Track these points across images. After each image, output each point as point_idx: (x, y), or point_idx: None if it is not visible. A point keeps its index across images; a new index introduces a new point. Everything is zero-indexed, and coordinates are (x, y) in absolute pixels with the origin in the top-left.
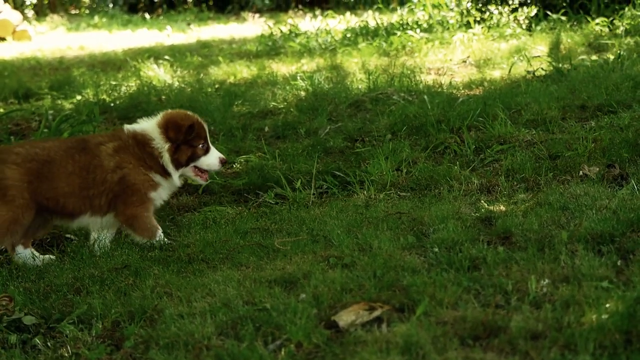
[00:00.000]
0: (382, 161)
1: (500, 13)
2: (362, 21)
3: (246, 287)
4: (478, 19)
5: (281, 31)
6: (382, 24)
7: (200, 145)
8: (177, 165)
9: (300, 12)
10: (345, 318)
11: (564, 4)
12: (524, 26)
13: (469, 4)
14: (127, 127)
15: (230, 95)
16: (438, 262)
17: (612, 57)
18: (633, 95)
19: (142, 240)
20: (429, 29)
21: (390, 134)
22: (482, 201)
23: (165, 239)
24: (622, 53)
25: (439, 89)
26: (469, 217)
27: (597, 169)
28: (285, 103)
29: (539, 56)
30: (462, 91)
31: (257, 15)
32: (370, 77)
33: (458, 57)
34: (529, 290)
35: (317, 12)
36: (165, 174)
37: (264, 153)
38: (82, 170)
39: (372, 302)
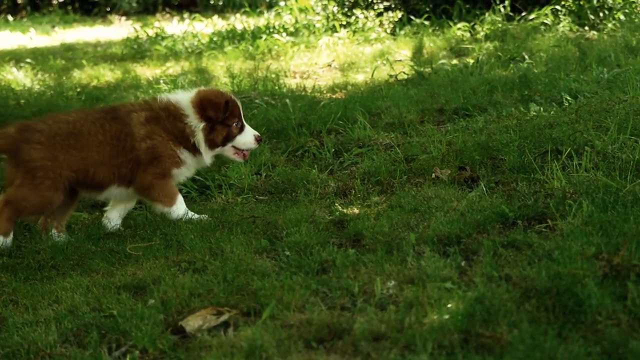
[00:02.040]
0: (241, 165)
1: (366, 17)
2: (229, 25)
3: (94, 293)
4: (344, 23)
5: (147, 34)
6: (249, 27)
7: (235, 124)
8: (212, 145)
9: (168, 15)
10: (192, 323)
11: (427, 9)
12: (388, 30)
13: (335, 8)
14: (161, 97)
15: (92, 99)
16: (289, 265)
17: (471, 61)
18: (489, 99)
19: (163, 209)
20: (295, 33)
21: None
22: (337, 204)
23: (201, 216)
24: (481, 57)
25: (303, 93)
26: (322, 220)
27: (449, 172)
28: None
29: (401, 60)
30: (326, 95)
31: (124, 18)
32: (234, 81)
33: (323, 61)
34: (375, 292)
35: (185, 15)
36: (195, 152)
37: None
38: (112, 138)
39: (221, 306)
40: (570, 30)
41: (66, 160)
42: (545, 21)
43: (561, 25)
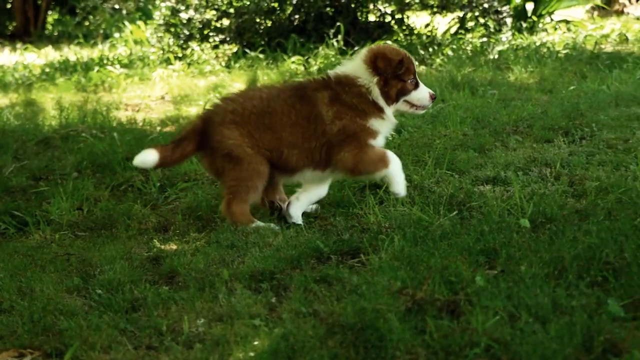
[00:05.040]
0: (62, 200)
1: (202, 50)
2: (61, 56)
3: None
4: (179, 55)
5: None
6: (82, 59)
7: (410, 80)
8: (387, 99)
9: (0, 45)
10: None
11: (262, 43)
12: (223, 63)
13: (171, 40)
14: (331, 72)
15: None
16: (99, 304)
17: None
18: None
19: (383, 175)
20: (129, 65)
21: (77, 172)
22: (156, 240)
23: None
24: None
25: (133, 126)
26: (139, 256)
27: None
28: None
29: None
30: (157, 128)
31: None
32: (62, 114)
33: (157, 94)
34: (184, 330)
35: (18, 45)
36: (380, 112)
37: None
38: (304, 119)
39: (24, 348)
40: None
41: (261, 138)
42: None
43: None
